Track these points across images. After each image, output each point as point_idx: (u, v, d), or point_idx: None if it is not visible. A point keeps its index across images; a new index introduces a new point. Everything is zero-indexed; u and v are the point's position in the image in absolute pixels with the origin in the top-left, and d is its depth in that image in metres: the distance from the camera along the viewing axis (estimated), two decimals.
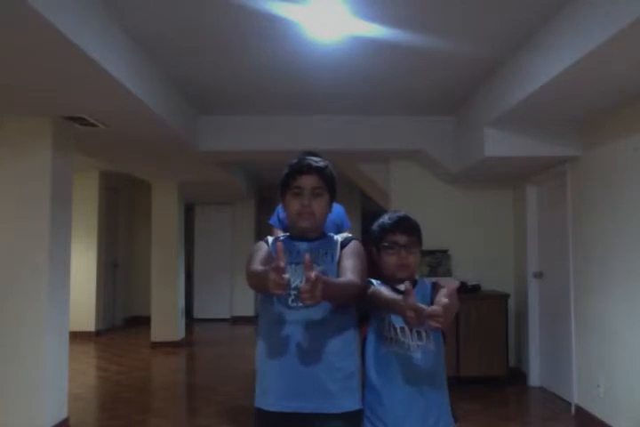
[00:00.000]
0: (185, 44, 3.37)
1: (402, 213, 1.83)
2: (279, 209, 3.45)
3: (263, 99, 4.57)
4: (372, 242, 1.83)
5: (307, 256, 1.44)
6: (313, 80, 4.05)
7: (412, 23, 3.06)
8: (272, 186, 9.40)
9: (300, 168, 1.77)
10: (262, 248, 1.86)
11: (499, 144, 4.17)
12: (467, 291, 5.15)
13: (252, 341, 8.45)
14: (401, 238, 1.76)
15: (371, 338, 1.77)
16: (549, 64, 3.03)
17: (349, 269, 1.69)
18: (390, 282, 1.79)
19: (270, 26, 3.06)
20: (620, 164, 3.60)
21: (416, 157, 5.48)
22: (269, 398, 1.68)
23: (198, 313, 9.39)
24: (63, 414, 3.84)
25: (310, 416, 1.64)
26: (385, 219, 1.82)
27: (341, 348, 1.70)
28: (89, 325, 7.56)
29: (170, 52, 3.51)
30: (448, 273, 5.32)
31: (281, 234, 1.95)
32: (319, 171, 1.78)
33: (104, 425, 4.03)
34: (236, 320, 9.35)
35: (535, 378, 5.03)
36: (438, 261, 5.35)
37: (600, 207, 3.85)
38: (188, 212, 9.00)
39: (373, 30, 3.11)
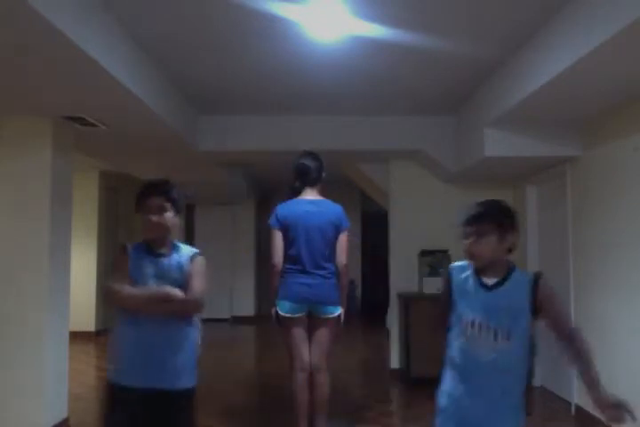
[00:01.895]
0: (185, 44, 3.37)
1: (479, 205, 1.90)
2: (277, 210, 3.45)
3: (263, 99, 4.57)
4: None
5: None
6: (313, 80, 4.06)
7: (412, 23, 3.06)
8: (272, 186, 9.44)
9: (149, 190, 2.27)
10: (123, 262, 2.27)
11: (499, 144, 4.17)
12: None
13: (251, 341, 8.45)
14: (469, 229, 1.86)
15: (452, 332, 1.94)
16: (549, 64, 3.03)
17: (192, 288, 2.27)
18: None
19: (270, 26, 3.06)
20: (620, 164, 3.60)
21: (416, 157, 5.48)
22: (131, 376, 2.19)
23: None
24: (63, 414, 3.84)
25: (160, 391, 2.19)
26: (464, 211, 1.92)
27: (176, 344, 2.25)
28: (89, 325, 7.56)
29: (170, 52, 3.51)
30: None
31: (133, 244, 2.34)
32: (161, 193, 2.26)
33: None
34: (236, 320, 9.35)
35: (535, 378, 5.03)
36: (438, 261, 5.35)
37: (600, 207, 3.85)
38: (188, 212, 9.01)
39: (373, 30, 3.11)
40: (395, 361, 5.48)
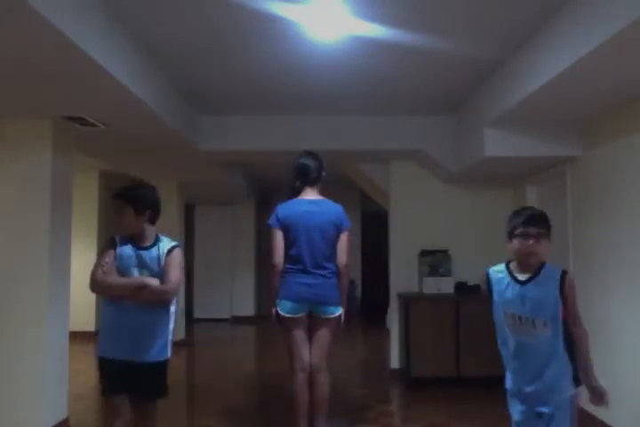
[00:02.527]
0: (185, 44, 3.37)
1: (534, 210, 2.26)
2: (278, 209, 3.45)
3: (263, 99, 4.57)
4: (507, 232, 2.25)
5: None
6: (313, 80, 4.06)
7: (412, 23, 3.06)
8: (272, 186, 9.44)
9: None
10: (110, 253, 2.62)
11: (499, 144, 4.17)
12: (467, 291, 5.16)
13: (251, 341, 8.45)
14: (532, 230, 2.15)
15: (498, 326, 2.30)
16: (549, 64, 3.03)
17: (168, 279, 2.58)
18: (518, 266, 2.22)
19: (270, 26, 3.06)
20: (620, 164, 3.60)
21: (416, 157, 5.48)
22: (111, 350, 2.62)
23: (198, 313, 9.39)
24: (63, 415, 3.84)
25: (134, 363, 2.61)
26: (519, 214, 2.23)
27: (154, 326, 2.62)
28: (89, 325, 7.56)
29: (170, 52, 3.51)
30: (448, 273, 5.32)
31: (118, 236, 2.70)
32: (119, 196, 2.63)
33: (104, 425, 4.03)
34: (236, 320, 9.36)
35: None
36: (438, 261, 5.35)
37: (600, 207, 3.85)
38: (188, 212, 9.00)
39: (373, 30, 3.11)
40: (395, 361, 5.48)
